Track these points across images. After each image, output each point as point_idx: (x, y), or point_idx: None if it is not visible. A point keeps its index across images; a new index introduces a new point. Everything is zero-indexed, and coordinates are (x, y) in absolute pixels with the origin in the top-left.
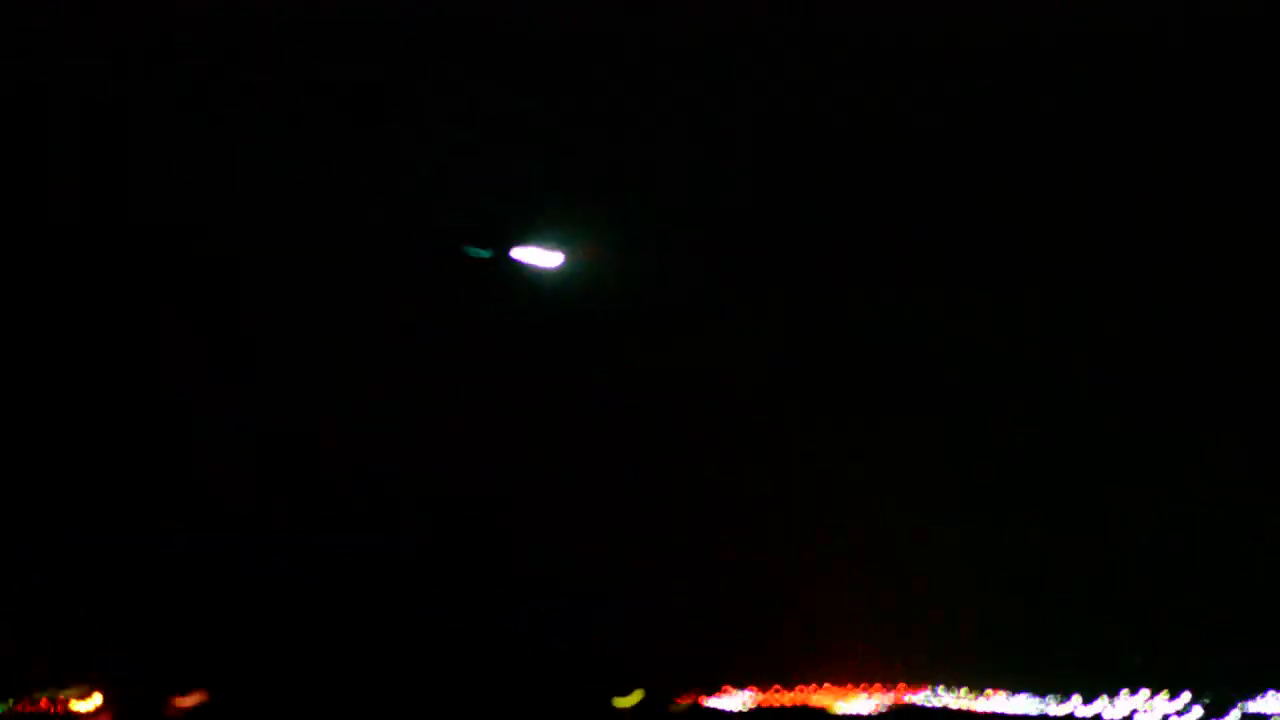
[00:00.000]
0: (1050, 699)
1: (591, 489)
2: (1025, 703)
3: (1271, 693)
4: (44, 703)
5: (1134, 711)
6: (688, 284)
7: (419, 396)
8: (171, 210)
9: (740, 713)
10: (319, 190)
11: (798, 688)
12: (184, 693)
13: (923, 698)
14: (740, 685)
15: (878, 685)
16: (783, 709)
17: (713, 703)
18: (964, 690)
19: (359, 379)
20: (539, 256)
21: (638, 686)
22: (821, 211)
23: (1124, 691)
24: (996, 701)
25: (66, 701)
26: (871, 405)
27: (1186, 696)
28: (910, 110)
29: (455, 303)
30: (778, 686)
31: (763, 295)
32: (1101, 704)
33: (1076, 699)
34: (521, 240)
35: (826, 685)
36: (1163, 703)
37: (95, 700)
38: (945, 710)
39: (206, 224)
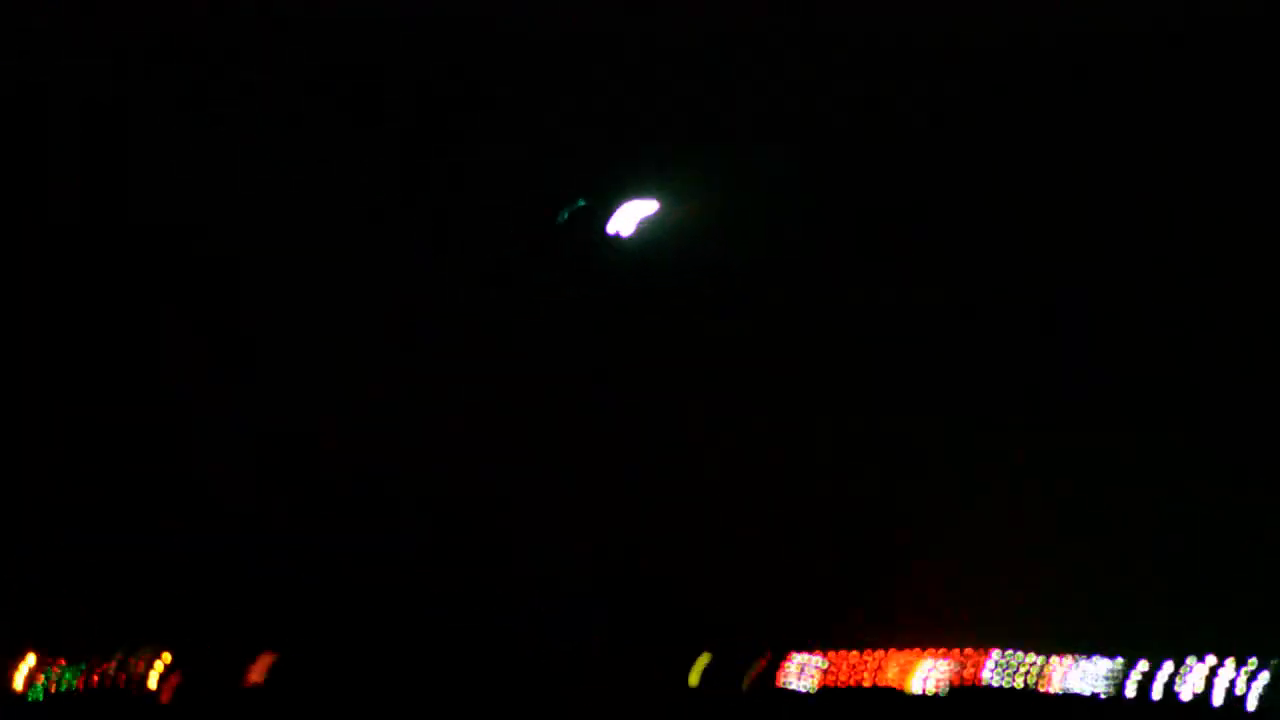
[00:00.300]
0: (1120, 661)
1: (668, 449)
2: (1096, 665)
3: None
4: (113, 669)
5: (1208, 675)
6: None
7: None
8: (174, 209)
9: (811, 694)
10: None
11: (865, 651)
12: (253, 662)
13: (992, 662)
14: (807, 649)
15: (944, 649)
16: (852, 689)
17: (785, 682)
18: (1032, 655)
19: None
20: (632, 208)
21: (704, 652)
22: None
23: (1190, 658)
24: (1066, 665)
25: (137, 668)
26: (946, 366)
27: (1254, 662)
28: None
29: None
30: (844, 651)
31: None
32: (1170, 669)
33: (1144, 663)
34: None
35: (893, 650)
36: (1231, 669)
37: (162, 668)
38: (1013, 690)
39: (227, 220)
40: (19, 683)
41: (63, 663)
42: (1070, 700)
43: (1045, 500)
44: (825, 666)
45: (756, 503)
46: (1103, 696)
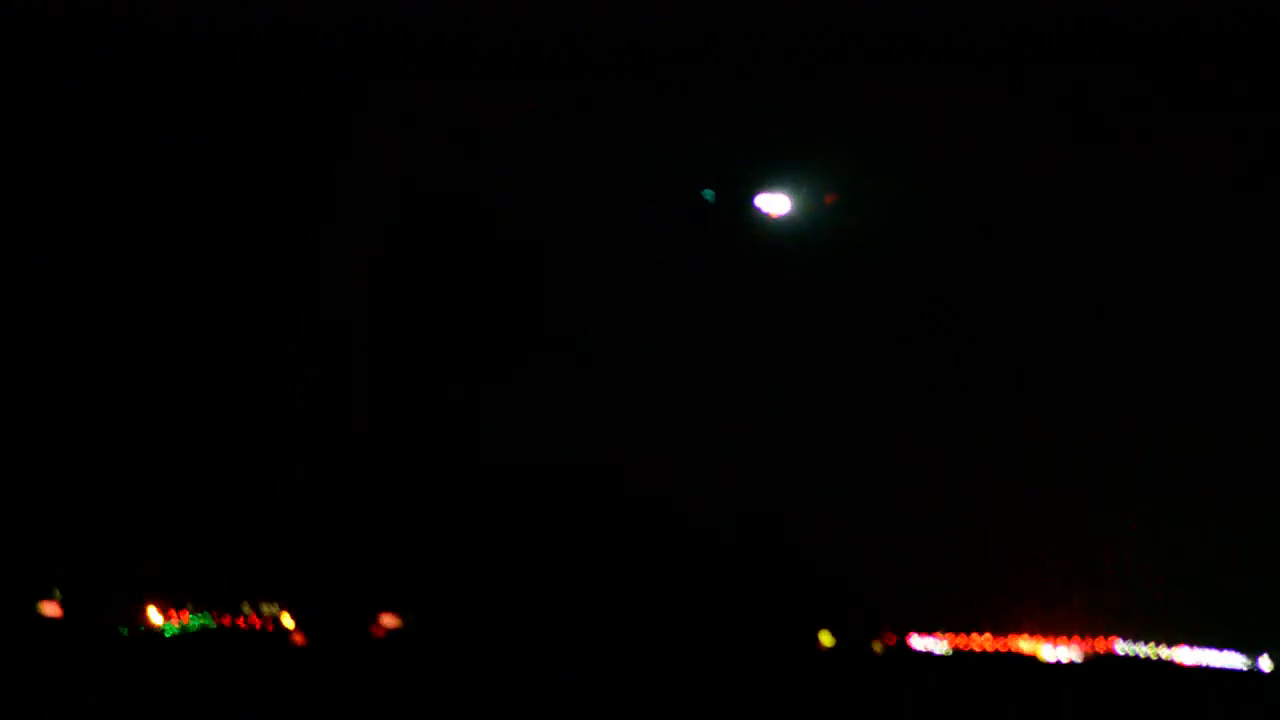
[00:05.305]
0: (1249, 659)
1: (803, 436)
2: (1224, 657)
3: None
4: (244, 618)
5: None
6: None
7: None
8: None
9: (945, 655)
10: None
11: (989, 635)
12: (382, 614)
13: (1118, 649)
14: (932, 631)
15: (1074, 636)
16: (987, 653)
17: (916, 642)
18: (1159, 646)
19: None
20: (766, 202)
21: (828, 627)
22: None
23: None
24: (1195, 655)
25: (269, 617)
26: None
27: None
28: None
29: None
30: (968, 634)
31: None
32: None
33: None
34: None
35: (1022, 634)
36: None
37: (290, 619)
38: (1150, 660)
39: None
40: (153, 619)
41: (186, 615)
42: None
43: (1176, 494)
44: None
45: (888, 488)
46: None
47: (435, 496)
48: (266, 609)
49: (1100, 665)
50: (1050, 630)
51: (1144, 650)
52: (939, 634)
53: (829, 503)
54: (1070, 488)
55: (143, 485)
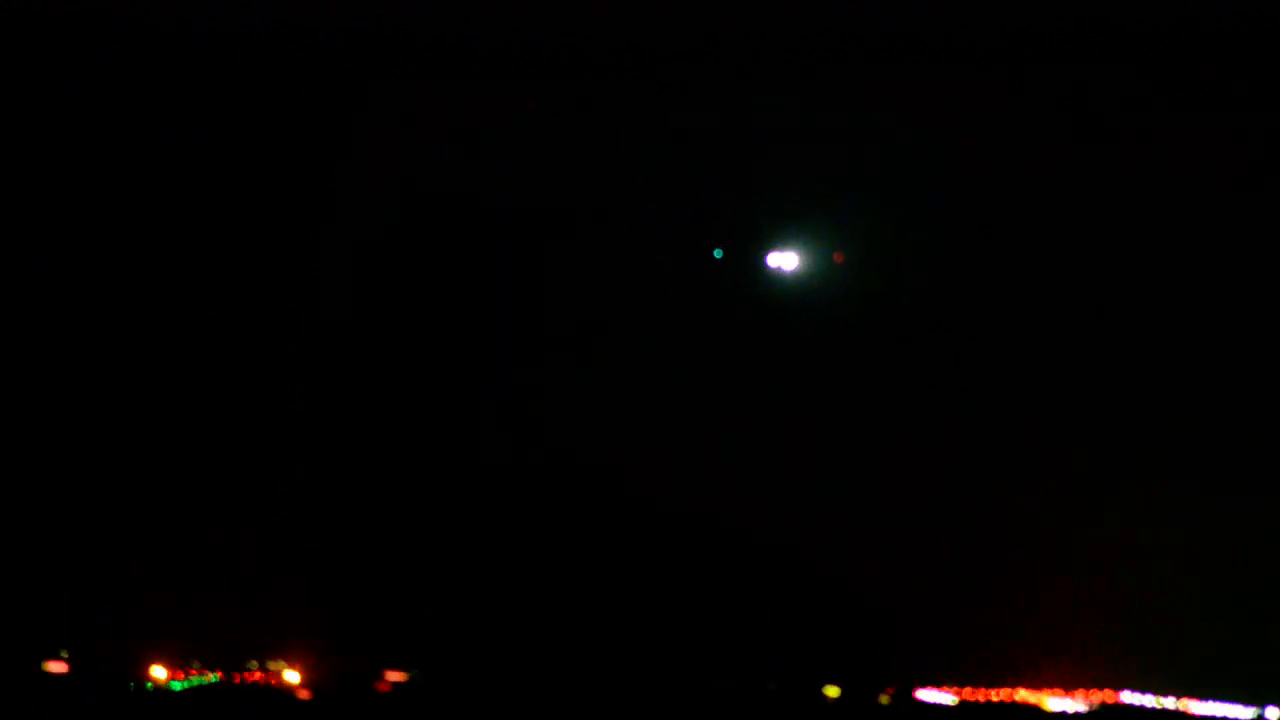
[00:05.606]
0: (1255, 711)
1: (804, 485)
2: (1233, 709)
3: None
4: (251, 675)
5: None
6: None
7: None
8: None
9: (950, 706)
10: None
11: (994, 689)
12: (388, 670)
13: (1125, 700)
14: (938, 684)
15: (1080, 689)
16: (992, 704)
17: (922, 695)
18: (1166, 698)
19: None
20: (774, 258)
21: (836, 682)
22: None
23: None
24: (1203, 708)
25: (274, 674)
26: (1088, 397)
27: None
28: None
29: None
30: (973, 687)
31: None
32: None
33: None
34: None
35: (1028, 687)
36: None
37: (297, 675)
38: (1159, 711)
39: None
40: (158, 676)
41: (193, 673)
42: None
43: (1183, 545)
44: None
45: (889, 536)
46: None
47: (435, 496)
48: (272, 666)
49: (1107, 717)
50: (1056, 682)
51: (1152, 701)
52: (945, 687)
53: (829, 503)
54: (1077, 539)
55: (142, 485)
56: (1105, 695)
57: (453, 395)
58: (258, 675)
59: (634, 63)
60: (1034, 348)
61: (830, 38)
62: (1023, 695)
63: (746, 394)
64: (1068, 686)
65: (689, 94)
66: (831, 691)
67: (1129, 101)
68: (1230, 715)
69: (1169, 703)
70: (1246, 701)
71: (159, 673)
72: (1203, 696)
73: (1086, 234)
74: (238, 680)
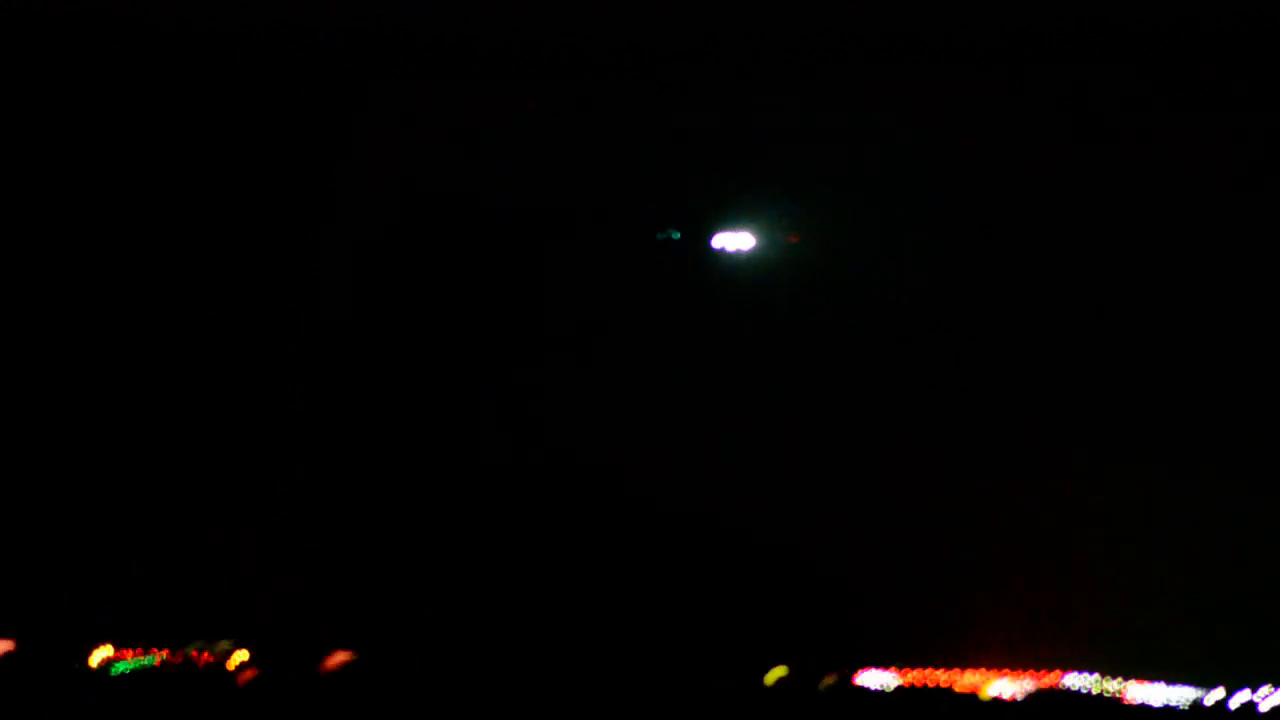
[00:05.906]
0: (1197, 689)
1: (760, 476)
2: (1172, 692)
3: None
4: (194, 655)
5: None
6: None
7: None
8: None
9: (888, 692)
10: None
11: (941, 670)
12: (331, 653)
13: (1067, 685)
14: (883, 665)
15: (1021, 670)
16: (929, 689)
17: (861, 679)
18: (1108, 678)
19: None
20: (730, 240)
21: (781, 664)
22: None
23: (1266, 686)
24: (1142, 690)
25: (216, 656)
26: (1034, 391)
27: None
28: None
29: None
30: (921, 668)
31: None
32: (1246, 695)
33: (1220, 690)
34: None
35: (969, 669)
36: None
37: (242, 656)
38: (1094, 697)
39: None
40: (94, 662)
41: (137, 653)
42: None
43: (1126, 526)
44: (898, 683)
45: (839, 520)
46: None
47: (435, 496)
48: (221, 646)
49: (1047, 701)
50: (1002, 664)
51: (1093, 684)
52: (889, 668)
53: (828, 502)
54: (1024, 523)
55: (142, 484)
56: (1050, 677)
57: (453, 395)
58: (207, 657)
59: (634, 63)
60: (1034, 348)
61: (830, 38)
62: (966, 676)
63: (746, 394)
64: (1007, 669)
65: (689, 94)
66: (778, 671)
67: (1129, 101)
68: (1172, 699)
69: (1112, 685)
70: (1189, 684)
71: (105, 652)
72: (1147, 679)
73: (1086, 233)
74: (177, 662)
